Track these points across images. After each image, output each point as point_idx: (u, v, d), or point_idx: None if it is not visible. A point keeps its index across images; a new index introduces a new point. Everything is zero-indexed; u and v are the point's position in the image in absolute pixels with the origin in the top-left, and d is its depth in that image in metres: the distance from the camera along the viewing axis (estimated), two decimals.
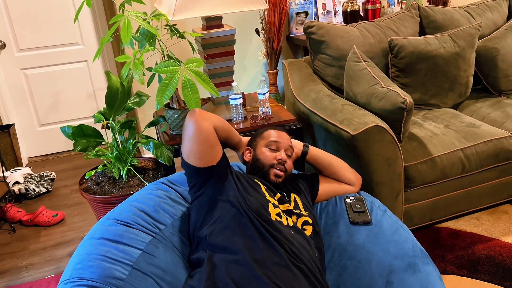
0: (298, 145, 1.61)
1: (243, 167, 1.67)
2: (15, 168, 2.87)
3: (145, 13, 1.79)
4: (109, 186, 1.92)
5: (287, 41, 3.19)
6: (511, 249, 1.95)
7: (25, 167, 3.00)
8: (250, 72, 3.23)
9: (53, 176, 2.87)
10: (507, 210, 2.23)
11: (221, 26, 2.03)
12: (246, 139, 1.61)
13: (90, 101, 3.32)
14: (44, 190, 2.78)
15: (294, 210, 1.39)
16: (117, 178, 1.96)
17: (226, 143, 1.51)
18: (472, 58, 2.34)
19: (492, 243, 2.00)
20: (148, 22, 1.75)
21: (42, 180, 2.81)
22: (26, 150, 3.32)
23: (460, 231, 2.10)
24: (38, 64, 3.12)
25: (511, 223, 2.13)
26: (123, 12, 1.82)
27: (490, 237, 2.04)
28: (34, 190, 2.73)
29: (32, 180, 2.78)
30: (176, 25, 1.97)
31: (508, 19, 2.61)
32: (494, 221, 2.15)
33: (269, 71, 3.11)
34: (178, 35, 1.90)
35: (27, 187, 2.72)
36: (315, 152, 1.63)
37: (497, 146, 2.02)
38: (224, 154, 1.40)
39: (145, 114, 3.01)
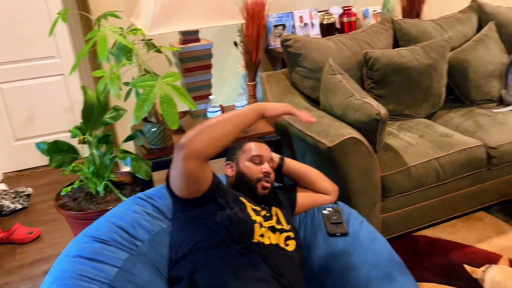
0: (274, 158, 1.62)
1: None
2: None
3: (121, 28, 1.80)
4: (86, 202, 1.89)
5: (265, 53, 3.22)
6: (486, 256, 1.99)
7: (0, 183, 2.94)
8: (230, 84, 3.25)
9: (29, 191, 2.82)
10: (481, 217, 2.29)
11: (198, 40, 2.05)
12: (275, 107, 1.32)
13: (68, 114, 3.28)
14: (19, 206, 2.72)
15: (276, 226, 1.38)
16: (94, 193, 1.94)
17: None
18: (444, 69, 2.41)
19: (468, 250, 2.04)
20: (125, 37, 1.75)
21: (17, 196, 2.75)
22: (1, 166, 3.24)
23: (437, 239, 2.14)
24: (13, 78, 3.07)
25: (485, 230, 2.18)
26: (99, 26, 1.81)
27: (466, 244, 2.09)
28: (9, 207, 2.67)
29: (7, 197, 2.72)
30: (152, 39, 1.97)
31: (477, 31, 2.69)
32: (469, 228, 2.20)
33: (248, 83, 3.13)
34: (155, 49, 1.90)
35: (1, 204, 2.65)
36: (290, 164, 1.65)
37: (470, 155, 2.08)
38: (213, 179, 1.33)
39: (123, 128, 2.99)
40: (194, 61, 2.02)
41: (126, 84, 1.87)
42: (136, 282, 1.24)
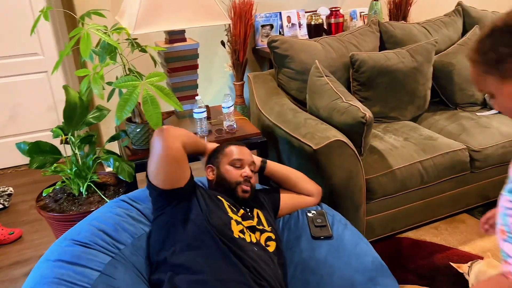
0: (256, 161, 1.62)
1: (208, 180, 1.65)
2: None
3: (105, 27, 1.76)
4: (68, 203, 1.86)
5: (253, 53, 3.21)
6: (468, 258, 2.01)
7: None
8: (217, 84, 3.23)
9: (10, 191, 2.76)
10: (463, 220, 2.31)
11: (184, 40, 2.02)
12: (211, 145, 1.63)
13: (51, 113, 3.22)
14: (0, 206, 2.66)
15: (257, 226, 1.39)
16: (76, 194, 1.90)
17: (193, 153, 1.52)
18: (430, 72, 2.43)
19: (450, 252, 2.06)
20: (109, 36, 1.72)
21: None
22: None
23: (420, 241, 2.15)
24: None
25: (468, 232, 2.21)
26: (82, 25, 1.78)
27: (448, 246, 2.11)
28: None
29: None
30: (137, 39, 1.95)
31: (463, 35, 2.72)
32: (452, 230, 2.23)
33: (235, 83, 3.11)
34: (139, 49, 1.87)
35: None
36: (272, 166, 1.65)
37: (454, 158, 2.09)
38: (191, 174, 1.40)
39: (108, 127, 2.95)
40: (180, 61, 2.00)
41: (110, 84, 1.84)
42: (118, 286, 1.22)
